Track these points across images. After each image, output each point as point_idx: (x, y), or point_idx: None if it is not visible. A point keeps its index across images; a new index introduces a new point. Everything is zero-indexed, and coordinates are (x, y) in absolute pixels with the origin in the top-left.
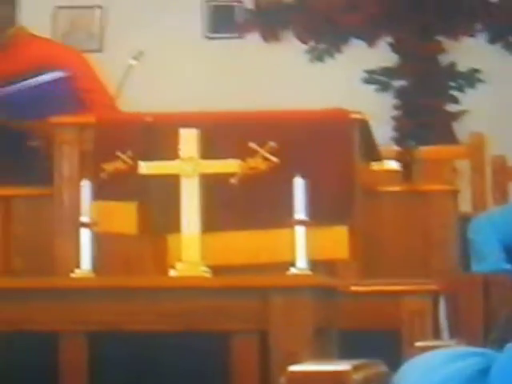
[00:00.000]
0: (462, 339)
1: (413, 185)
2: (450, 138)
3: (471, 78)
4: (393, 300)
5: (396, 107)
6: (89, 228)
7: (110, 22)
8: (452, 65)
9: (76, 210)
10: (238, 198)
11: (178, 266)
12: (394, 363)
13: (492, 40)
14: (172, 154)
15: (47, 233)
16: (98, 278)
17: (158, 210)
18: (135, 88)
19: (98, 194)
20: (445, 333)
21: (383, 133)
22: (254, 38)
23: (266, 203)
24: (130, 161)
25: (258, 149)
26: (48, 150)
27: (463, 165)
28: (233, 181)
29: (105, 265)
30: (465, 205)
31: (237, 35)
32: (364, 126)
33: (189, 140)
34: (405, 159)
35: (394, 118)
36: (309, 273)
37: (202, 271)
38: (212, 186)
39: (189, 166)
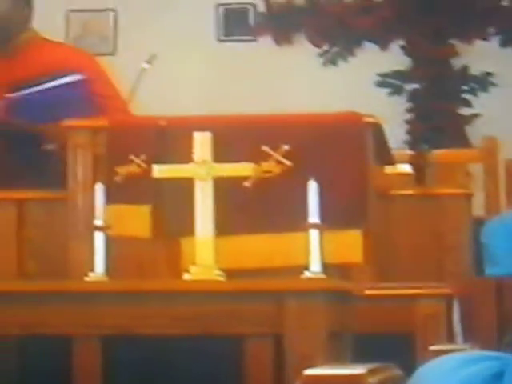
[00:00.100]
0: (476, 343)
1: (426, 188)
2: (462, 141)
3: (484, 82)
4: (407, 304)
5: (409, 110)
6: (102, 231)
7: (123, 26)
8: (465, 68)
9: (90, 213)
10: (251, 201)
11: (192, 269)
12: (408, 367)
13: (505, 43)
14: (185, 157)
15: (61, 236)
16: (112, 282)
17: (171, 214)
18: (148, 91)
19: (112, 197)
20: (459, 336)
21: (396, 136)
22: (266, 42)
23: (280, 207)
24: (143, 164)
25: (272, 152)
26: (62, 154)
27: (476, 168)
28: (246, 184)
29: (118, 268)
30: (478, 208)
31: (249, 38)
32: (377, 130)
33: (203, 143)
34: (418, 163)
35: (407, 122)
36: (323, 276)
37: (216, 275)
38: (226, 189)
39: (203, 169)
